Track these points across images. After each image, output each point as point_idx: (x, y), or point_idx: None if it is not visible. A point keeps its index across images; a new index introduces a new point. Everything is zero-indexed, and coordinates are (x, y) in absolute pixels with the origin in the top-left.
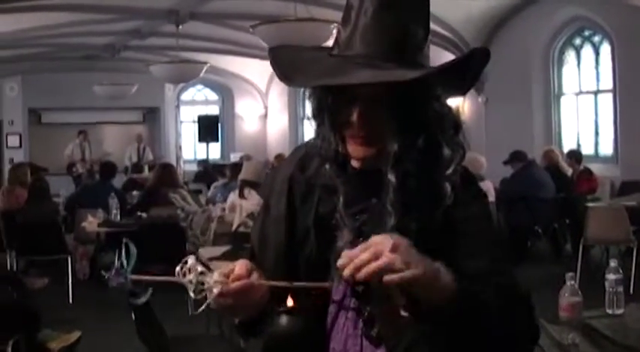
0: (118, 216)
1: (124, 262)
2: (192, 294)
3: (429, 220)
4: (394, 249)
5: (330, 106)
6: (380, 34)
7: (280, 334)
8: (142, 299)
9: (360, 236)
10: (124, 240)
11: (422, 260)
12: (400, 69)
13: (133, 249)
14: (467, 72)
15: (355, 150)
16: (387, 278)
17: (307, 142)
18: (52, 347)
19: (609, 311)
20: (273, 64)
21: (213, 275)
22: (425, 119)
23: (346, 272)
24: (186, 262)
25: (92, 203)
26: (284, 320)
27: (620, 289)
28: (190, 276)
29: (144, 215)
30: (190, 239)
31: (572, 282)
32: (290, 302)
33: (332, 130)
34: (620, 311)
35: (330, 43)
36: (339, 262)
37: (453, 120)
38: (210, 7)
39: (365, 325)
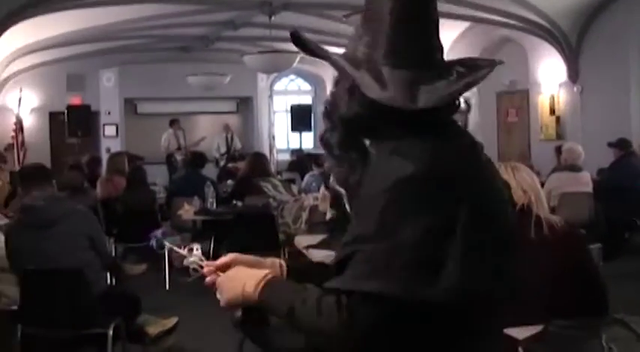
0: (214, 205)
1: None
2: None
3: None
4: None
5: None
6: None
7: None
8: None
9: None
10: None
11: (230, 288)
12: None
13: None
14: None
15: None
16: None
17: None
18: (150, 332)
19: None
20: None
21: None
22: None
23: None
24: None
25: (187, 191)
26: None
27: None
28: (191, 259)
29: (239, 204)
30: (281, 227)
31: None
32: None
33: None
34: None
35: None
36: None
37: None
38: None
39: None
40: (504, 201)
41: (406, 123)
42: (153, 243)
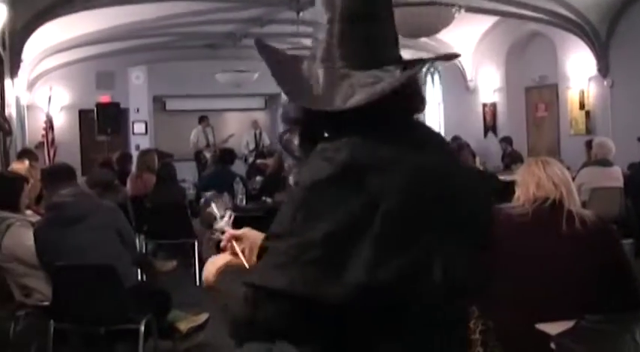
0: (244, 201)
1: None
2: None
3: None
4: None
5: None
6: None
7: None
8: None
9: None
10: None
11: (206, 273)
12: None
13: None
14: None
15: None
16: None
17: None
18: (181, 328)
19: None
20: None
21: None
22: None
23: None
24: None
25: (216, 188)
26: None
27: None
28: (220, 224)
29: (268, 200)
30: None
31: None
32: None
33: None
34: None
35: (451, 26)
36: None
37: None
38: None
39: None
40: (464, 201)
41: (349, 122)
42: (202, 201)
